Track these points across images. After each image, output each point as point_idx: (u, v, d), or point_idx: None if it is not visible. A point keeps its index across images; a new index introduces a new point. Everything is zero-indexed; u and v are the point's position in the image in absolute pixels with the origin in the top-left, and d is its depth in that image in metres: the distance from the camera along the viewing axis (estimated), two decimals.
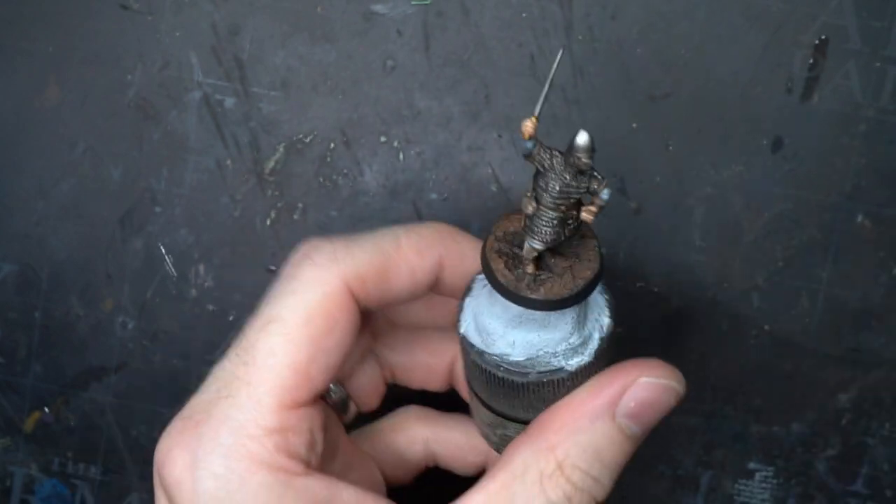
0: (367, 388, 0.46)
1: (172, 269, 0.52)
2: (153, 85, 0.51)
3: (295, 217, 0.51)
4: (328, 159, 0.51)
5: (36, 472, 0.54)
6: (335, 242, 0.41)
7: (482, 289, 0.40)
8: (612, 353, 0.40)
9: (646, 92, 0.49)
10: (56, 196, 0.52)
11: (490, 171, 0.50)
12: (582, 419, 0.38)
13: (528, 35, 0.49)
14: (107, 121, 0.51)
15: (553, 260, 0.37)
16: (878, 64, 0.48)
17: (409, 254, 0.41)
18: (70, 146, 0.51)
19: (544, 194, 0.35)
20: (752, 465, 0.52)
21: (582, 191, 0.35)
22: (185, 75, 0.51)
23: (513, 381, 0.38)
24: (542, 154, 0.35)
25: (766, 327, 0.51)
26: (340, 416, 0.45)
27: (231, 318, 0.52)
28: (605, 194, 0.35)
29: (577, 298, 0.37)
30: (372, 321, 0.46)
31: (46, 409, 0.54)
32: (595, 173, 0.35)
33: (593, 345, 0.38)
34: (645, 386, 0.39)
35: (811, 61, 0.49)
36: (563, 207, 0.36)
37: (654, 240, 0.50)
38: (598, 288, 0.39)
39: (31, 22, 0.51)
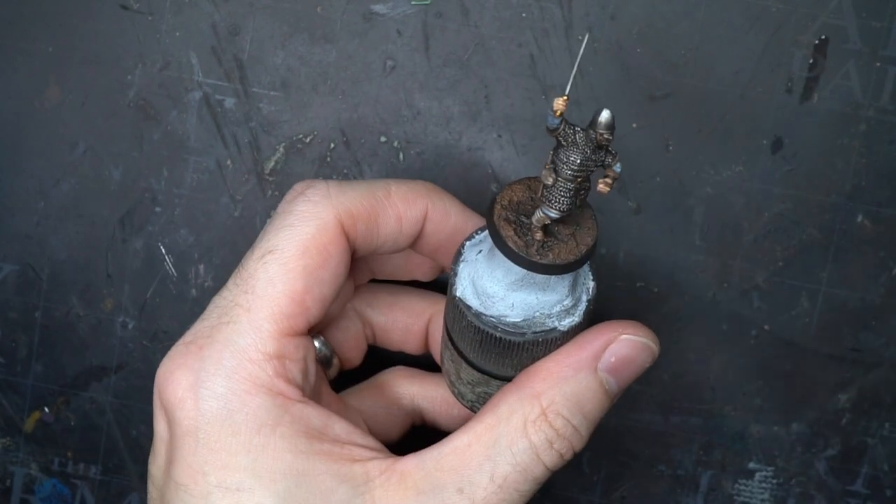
0: (350, 343, 0.48)
1: (172, 269, 0.52)
2: (153, 85, 0.51)
3: None
4: (328, 159, 0.51)
5: (36, 472, 0.54)
6: (328, 182, 0.43)
7: (477, 255, 0.42)
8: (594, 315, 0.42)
9: (646, 92, 0.49)
10: (56, 196, 0.52)
11: (490, 171, 0.50)
12: (567, 370, 0.41)
13: (528, 35, 0.49)
14: (107, 121, 0.51)
15: (557, 228, 0.40)
16: (878, 64, 0.48)
17: (397, 201, 0.43)
18: (70, 146, 0.51)
19: (564, 167, 0.38)
20: (752, 465, 0.52)
21: (599, 164, 0.38)
22: (185, 75, 0.51)
23: (509, 340, 0.41)
24: (566, 129, 0.38)
25: (766, 327, 0.51)
26: (325, 370, 0.47)
27: None
28: (617, 167, 0.38)
29: (581, 262, 0.39)
30: (355, 275, 0.48)
31: (46, 409, 0.54)
32: (609, 148, 0.38)
33: (582, 307, 0.41)
34: (625, 343, 0.41)
35: (811, 61, 0.49)
36: (579, 179, 0.38)
37: (654, 240, 0.50)
38: None
39: (31, 22, 0.51)
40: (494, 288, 0.41)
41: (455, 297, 0.41)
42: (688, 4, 0.49)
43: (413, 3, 0.50)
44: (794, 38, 0.49)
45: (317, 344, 0.46)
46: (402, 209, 0.43)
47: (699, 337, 0.51)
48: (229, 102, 0.51)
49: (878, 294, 0.50)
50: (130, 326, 0.53)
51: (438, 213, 0.44)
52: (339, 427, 0.41)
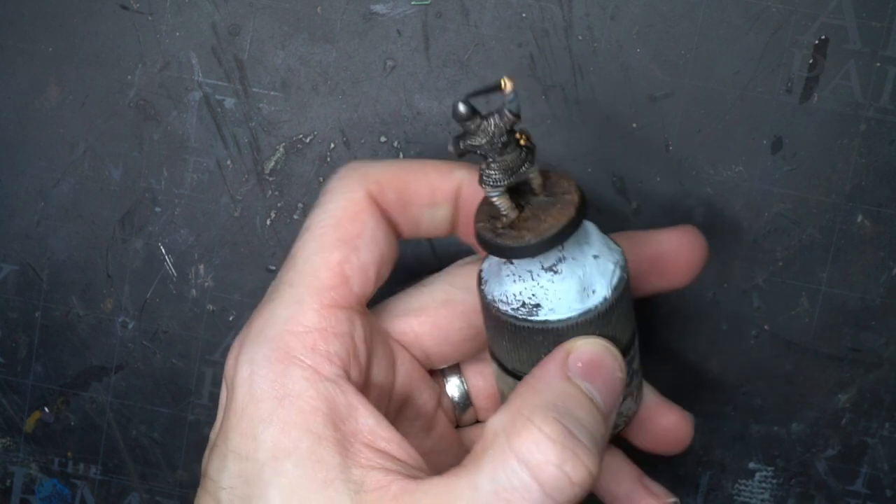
0: (490, 391, 0.47)
1: (172, 269, 0.52)
2: (153, 85, 0.51)
3: (295, 217, 0.51)
4: (328, 159, 0.51)
5: (36, 472, 0.54)
6: (367, 160, 0.44)
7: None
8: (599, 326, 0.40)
9: (646, 92, 0.49)
10: (56, 196, 0.52)
11: None
12: (539, 383, 0.39)
13: (528, 35, 0.49)
14: (107, 121, 0.51)
15: (520, 213, 0.39)
16: (877, 64, 0.48)
17: (430, 171, 0.44)
18: (70, 146, 0.51)
19: (498, 171, 0.38)
20: (751, 465, 0.52)
21: (500, 136, 0.37)
22: (185, 75, 0.51)
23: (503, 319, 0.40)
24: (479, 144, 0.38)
25: (766, 327, 0.51)
26: (458, 415, 0.47)
27: (231, 318, 0.52)
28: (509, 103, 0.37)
29: (485, 245, 0.39)
30: None
31: (46, 409, 0.54)
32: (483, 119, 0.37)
33: (539, 313, 0.40)
34: (583, 347, 0.40)
35: (811, 61, 0.49)
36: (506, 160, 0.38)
37: None
38: (602, 254, 0.41)
39: (31, 22, 0.51)
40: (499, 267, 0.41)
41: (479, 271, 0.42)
42: (688, 4, 0.49)
43: (413, 3, 0.50)
44: (793, 38, 0.49)
45: (455, 381, 0.47)
46: (435, 179, 0.43)
47: (699, 337, 0.51)
48: (229, 102, 0.51)
49: (878, 294, 0.50)
50: (130, 326, 0.53)
51: (475, 193, 0.42)
52: (364, 421, 0.40)
